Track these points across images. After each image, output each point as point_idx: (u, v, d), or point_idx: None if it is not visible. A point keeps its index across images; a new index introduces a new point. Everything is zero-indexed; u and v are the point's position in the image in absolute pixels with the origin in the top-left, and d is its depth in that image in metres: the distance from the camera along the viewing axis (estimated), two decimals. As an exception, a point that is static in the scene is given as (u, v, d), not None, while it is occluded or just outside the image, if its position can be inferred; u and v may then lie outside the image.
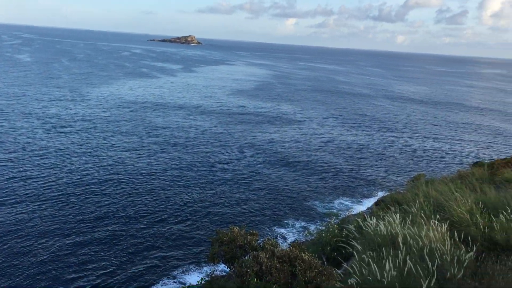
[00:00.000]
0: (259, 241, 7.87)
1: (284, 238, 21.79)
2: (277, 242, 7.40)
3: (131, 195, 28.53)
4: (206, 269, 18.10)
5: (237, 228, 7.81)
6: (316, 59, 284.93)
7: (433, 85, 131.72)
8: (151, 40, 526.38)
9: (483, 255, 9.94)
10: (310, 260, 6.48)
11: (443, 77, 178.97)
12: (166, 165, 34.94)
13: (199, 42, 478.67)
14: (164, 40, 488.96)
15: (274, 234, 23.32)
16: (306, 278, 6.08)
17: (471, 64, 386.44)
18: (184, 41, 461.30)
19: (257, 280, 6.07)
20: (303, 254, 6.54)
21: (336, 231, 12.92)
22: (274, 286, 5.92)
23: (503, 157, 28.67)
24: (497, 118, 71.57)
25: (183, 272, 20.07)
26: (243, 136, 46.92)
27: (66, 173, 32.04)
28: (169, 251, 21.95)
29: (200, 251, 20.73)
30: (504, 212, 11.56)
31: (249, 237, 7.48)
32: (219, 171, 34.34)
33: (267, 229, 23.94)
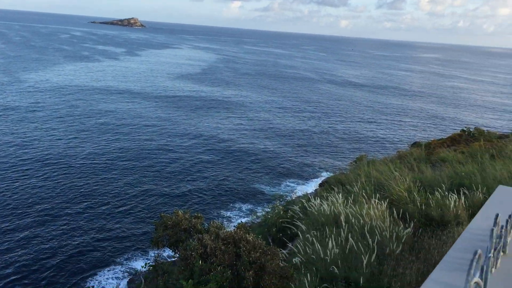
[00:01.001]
0: (204, 224, 7.86)
1: (231, 221, 21.91)
2: (222, 224, 7.42)
3: (69, 181, 27.57)
4: (152, 254, 17.88)
5: (182, 211, 7.76)
6: (262, 43, 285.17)
7: (374, 69, 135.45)
8: (92, 22, 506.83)
9: (420, 231, 10.41)
10: (254, 241, 6.54)
11: (383, 61, 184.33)
12: (107, 150, 34.02)
13: (142, 25, 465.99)
14: (105, 23, 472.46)
15: (221, 217, 23.39)
16: (251, 259, 6.13)
17: (409, 48, 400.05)
18: (127, 23, 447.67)
19: (201, 262, 6.05)
20: (247, 235, 6.59)
21: (282, 212, 13.14)
22: (219, 268, 5.93)
23: (439, 138, 29.99)
24: (434, 101, 74.70)
25: (128, 258, 19.75)
26: (189, 122, 46.44)
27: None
28: (112, 238, 21.50)
29: (145, 237, 20.44)
30: (439, 189, 12.14)
31: (194, 220, 7.44)
32: (164, 156, 33.87)
33: (215, 213, 23.97)
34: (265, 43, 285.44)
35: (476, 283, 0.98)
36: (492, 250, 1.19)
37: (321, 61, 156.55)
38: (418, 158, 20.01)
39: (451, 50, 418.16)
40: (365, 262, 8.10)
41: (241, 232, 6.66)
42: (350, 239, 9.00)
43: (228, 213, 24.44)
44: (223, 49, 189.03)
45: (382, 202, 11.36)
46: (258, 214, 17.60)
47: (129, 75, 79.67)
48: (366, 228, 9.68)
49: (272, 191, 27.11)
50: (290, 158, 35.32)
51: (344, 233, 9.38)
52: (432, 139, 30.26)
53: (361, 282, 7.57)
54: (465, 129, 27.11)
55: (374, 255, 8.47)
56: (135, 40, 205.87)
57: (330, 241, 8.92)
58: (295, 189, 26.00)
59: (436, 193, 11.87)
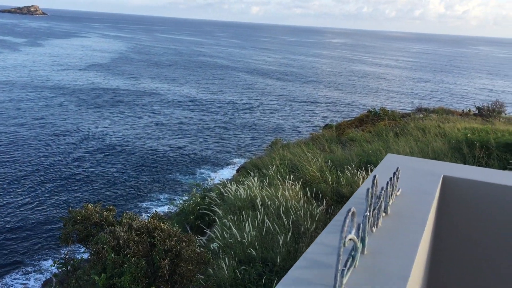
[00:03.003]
0: (116, 216, 7.61)
1: (148, 211, 21.44)
2: (135, 215, 7.22)
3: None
4: (64, 251, 17.03)
5: (92, 205, 7.45)
6: (174, 31, 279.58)
7: (287, 55, 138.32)
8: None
9: (332, 208, 10.89)
10: (169, 229, 6.44)
11: (295, 47, 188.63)
12: (13, 149, 31.83)
13: (44, 13, 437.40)
14: (2, 11, 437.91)
15: (138, 208, 22.82)
16: (166, 247, 6.03)
17: (318, 34, 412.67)
18: (26, 11, 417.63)
19: (114, 255, 5.85)
20: (162, 224, 6.46)
21: (199, 199, 13.10)
22: (133, 259, 5.77)
23: (348, 119, 31.37)
24: (343, 84, 77.94)
25: (36, 258, 18.64)
26: (99, 115, 44.63)
27: None
28: (18, 238, 20.18)
29: (56, 234, 19.39)
30: (349, 168, 12.75)
31: (105, 213, 7.17)
32: (74, 150, 32.34)
33: (130, 205, 23.32)
34: (178, 31, 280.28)
35: (351, 239, 1.02)
36: (371, 210, 1.24)
37: (235, 48, 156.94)
38: (329, 139, 20.84)
39: (357, 35, 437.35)
40: (281, 242, 8.31)
41: (155, 222, 6.52)
42: (267, 220, 9.18)
43: (145, 204, 23.90)
44: (134, 38, 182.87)
45: (296, 183, 11.71)
46: (175, 203, 17.40)
47: (32, 67, 74.60)
48: (281, 209, 9.92)
49: (189, 180, 26.88)
50: (206, 147, 35.18)
51: (260, 216, 9.55)
52: (342, 121, 31.61)
53: (278, 261, 7.76)
54: (371, 109, 28.61)
55: (289, 234, 8.71)
56: (37, 29, 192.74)
57: (247, 224, 9.04)
58: (213, 177, 25.94)
59: (346, 171, 12.44)
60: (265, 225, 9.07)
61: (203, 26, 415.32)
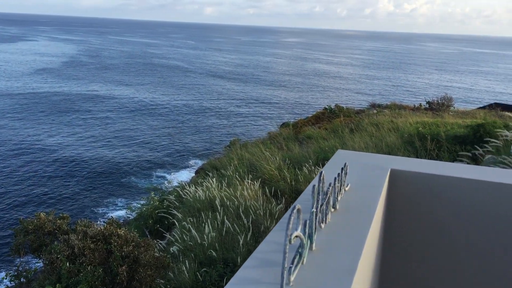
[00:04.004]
0: (71, 224, 7.39)
1: (105, 217, 20.94)
2: (90, 222, 7.02)
3: None
4: (16, 263, 16.38)
5: (44, 214, 7.20)
6: (127, 33, 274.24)
7: (242, 55, 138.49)
8: None
9: (291, 206, 10.98)
10: (126, 235, 6.30)
11: (250, 47, 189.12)
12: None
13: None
14: None
15: (94, 215, 22.24)
16: (123, 253, 5.90)
17: (273, 33, 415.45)
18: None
19: (69, 264, 5.68)
20: (119, 230, 6.32)
21: (157, 203, 12.92)
22: (89, 267, 5.62)
23: (305, 117, 31.72)
24: (299, 82, 78.79)
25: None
26: (48, 121, 43.25)
27: None
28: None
29: (5, 244, 18.62)
30: (306, 165, 12.90)
31: (59, 221, 6.94)
32: (24, 157, 31.20)
33: (86, 211, 22.68)
34: (131, 33, 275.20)
35: (298, 236, 1.03)
36: (318, 205, 1.26)
37: (190, 49, 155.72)
38: (287, 137, 21.02)
39: (310, 34, 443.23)
40: (241, 241, 8.31)
41: (112, 228, 6.37)
42: (226, 221, 9.16)
43: (102, 210, 23.33)
44: (84, 40, 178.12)
45: (255, 182, 11.75)
46: (134, 207, 17.09)
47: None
48: (241, 209, 9.92)
49: (147, 184, 26.45)
50: (163, 151, 34.69)
51: (220, 216, 9.52)
52: (299, 119, 31.93)
53: (239, 261, 7.76)
54: (327, 107, 29.05)
55: (250, 233, 8.72)
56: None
57: (206, 226, 9.00)
58: (171, 180, 25.66)
59: (304, 168, 12.59)
60: (225, 225, 9.05)
61: (157, 28, 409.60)
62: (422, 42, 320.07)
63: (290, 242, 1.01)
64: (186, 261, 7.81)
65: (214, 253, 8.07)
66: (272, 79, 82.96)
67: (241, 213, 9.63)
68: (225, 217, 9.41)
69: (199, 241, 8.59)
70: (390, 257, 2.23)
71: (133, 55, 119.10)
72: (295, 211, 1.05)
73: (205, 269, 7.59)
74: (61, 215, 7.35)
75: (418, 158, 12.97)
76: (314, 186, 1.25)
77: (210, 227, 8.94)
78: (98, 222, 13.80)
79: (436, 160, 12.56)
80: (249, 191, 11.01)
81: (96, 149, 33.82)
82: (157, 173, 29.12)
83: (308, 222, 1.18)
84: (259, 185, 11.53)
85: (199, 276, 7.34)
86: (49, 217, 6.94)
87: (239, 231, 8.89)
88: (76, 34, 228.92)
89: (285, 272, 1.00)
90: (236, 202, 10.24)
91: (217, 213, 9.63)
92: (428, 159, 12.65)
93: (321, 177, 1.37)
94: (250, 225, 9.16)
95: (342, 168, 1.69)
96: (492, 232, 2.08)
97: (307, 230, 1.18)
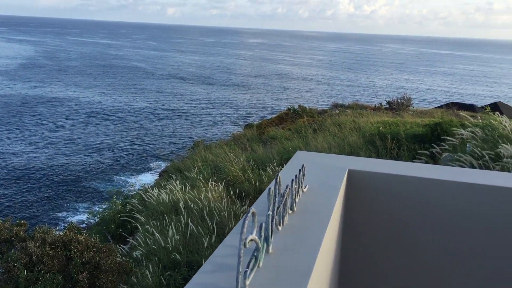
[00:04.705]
0: (29, 231, 7.15)
1: (66, 223, 20.39)
2: (49, 228, 6.82)
3: None
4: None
5: (0, 221, 6.95)
6: (87, 33, 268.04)
7: (205, 56, 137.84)
8: None
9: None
10: (87, 240, 6.15)
11: (213, 48, 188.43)
12: None
13: None
14: None
15: (54, 221, 21.61)
16: (83, 259, 5.76)
17: (236, 34, 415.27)
18: None
19: (27, 272, 5.50)
20: (79, 236, 6.17)
21: (120, 207, 12.69)
22: (48, 275, 5.45)
23: (269, 118, 31.87)
24: (263, 83, 79.07)
25: None
26: (8, 121, 41.84)
27: None
28: None
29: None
30: (270, 165, 12.95)
31: (16, 228, 6.71)
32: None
33: (46, 217, 22.03)
34: (91, 34, 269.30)
35: (253, 240, 1.03)
36: (274, 208, 1.26)
37: (152, 50, 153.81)
38: (251, 138, 21.06)
39: (273, 35, 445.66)
40: (206, 244, 8.26)
41: (72, 234, 6.21)
42: (190, 223, 9.09)
43: (62, 215, 22.72)
44: (42, 41, 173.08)
45: (219, 183, 11.71)
46: (95, 212, 16.71)
47: None
48: (205, 211, 9.86)
49: (109, 188, 25.90)
50: (125, 154, 34.05)
51: (184, 219, 9.44)
52: (263, 120, 32.06)
53: (203, 263, 7.69)
54: (290, 107, 29.30)
55: (214, 235, 8.68)
56: None
57: (170, 229, 8.90)
58: (133, 183, 25.25)
59: (268, 169, 12.63)
60: (189, 228, 8.98)
61: (118, 28, 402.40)
62: (382, 43, 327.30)
63: (245, 246, 1.00)
64: (150, 265, 7.71)
65: (178, 256, 7.98)
66: (236, 80, 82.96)
67: (206, 215, 9.58)
68: (189, 219, 9.33)
69: (162, 244, 8.49)
70: (349, 257, 2.26)
71: (93, 57, 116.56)
72: (249, 214, 1.05)
73: (169, 272, 7.51)
74: (18, 222, 7.11)
75: (379, 157, 13.28)
76: (270, 189, 1.25)
77: (174, 230, 8.84)
78: (58, 228, 13.45)
79: (396, 158, 12.87)
80: (213, 193, 10.96)
81: (55, 154, 32.91)
82: (119, 177, 28.58)
83: (264, 225, 1.18)
84: (223, 187, 11.50)
85: (163, 280, 7.25)
86: (5, 224, 6.70)
87: (203, 234, 8.83)
88: (33, 34, 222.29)
89: (240, 277, 1.00)
90: (200, 204, 10.18)
91: (181, 216, 9.54)
92: (389, 157, 12.95)
93: (278, 180, 1.37)
94: (215, 227, 9.12)
95: (300, 170, 1.70)
96: (450, 229, 2.14)
97: (263, 233, 1.18)
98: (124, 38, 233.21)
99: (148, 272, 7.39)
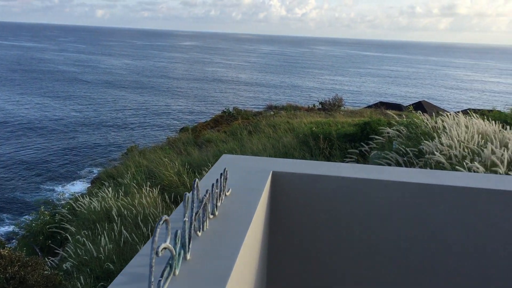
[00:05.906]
0: None
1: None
2: (-32, 244, 6.38)
3: None
4: None
5: None
6: (9, 36, 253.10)
7: (137, 59, 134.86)
8: None
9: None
10: (11, 254, 5.82)
11: (146, 50, 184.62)
12: None
13: None
14: None
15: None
16: (7, 275, 5.44)
17: (168, 37, 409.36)
18: None
19: None
20: (1, 250, 5.82)
21: (48, 218, 12.12)
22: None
23: (204, 121, 31.72)
24: (198, 87, 78.55)
25: None
26: None
27: None
28: None
29: None
30: (206, 169, 12.89)
31: None
32: None
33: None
34: (14, 36, 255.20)
35: (166, 248, 1.00)
36: (192, 214, 1.24)
37: (81, 53, 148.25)
38: (186, 142, 20.86)
39: (207, 38, 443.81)
40: (140, 251, 8.04)
41: (-7, 249, 5.85)
42: (124, 231, 8.85)
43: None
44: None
45: (154, 189, 11.49)
46: (21, 224, 15.83)
47: None
48: (139, 218, 9.65)
49: (36, 197, 24.57)
50: (54, 161, 32.53)
51: (117, 227, 9.18)
52: (198, 123, 31.85)
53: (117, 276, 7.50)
54: (225, 110, 29.31)
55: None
56: None
57: (102, 238, 8.61)
58: (63, 192, 24.10)
59: (204, 172, 12.55)
60: (123, 236, 8.74)
61: (43, 31, 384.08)
62: (313, 45, 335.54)
63: (157, 254, 0.98)
64: (81, 276, 7.41)
65: (111, 266, 7.75)
66: (170, 84, 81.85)
67: (140, 222, 9.38)
68: (122, 227, 9.09)
69: (95, 254, 8.19)
70: (277, 259, 2.29)
71: (16, 61, 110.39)
72: (161, 222, 1.02)
73: (102, 283, 7.26)
74: None
75: (312, 156, 13.50)
76: (186, 195, 1.24)
77: (107, 238, 8.57)
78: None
79: (329, 158, 13.21)
80: (148, 198, 10.76)
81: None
82: (47, 186, 27.19)
83: (180, 231, 1.16)
84: (158, 192, 11.31)
85: (96, 292, 7.01)
86: None
87: (138, 241, 8.64)
88: None
89: (152, 287, 0.98)
90: (134, 211, 9.95)
91: (114, 224, 9.27)
92: (322, 157, 13.28)
93: (195, 185, 1.36)
94: (150, 233, 8.93)
95: (221, 174, 1.69)
96: (373, 227, 2.22)
97: (178, 240, 1.16)
98: (50, 41, 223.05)
99: (79, 284, 7.11)
